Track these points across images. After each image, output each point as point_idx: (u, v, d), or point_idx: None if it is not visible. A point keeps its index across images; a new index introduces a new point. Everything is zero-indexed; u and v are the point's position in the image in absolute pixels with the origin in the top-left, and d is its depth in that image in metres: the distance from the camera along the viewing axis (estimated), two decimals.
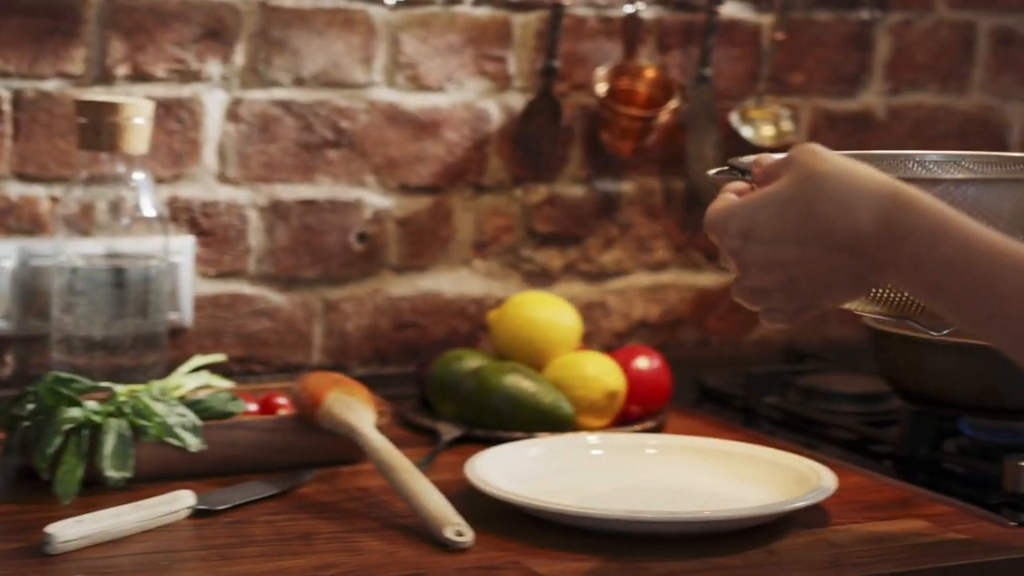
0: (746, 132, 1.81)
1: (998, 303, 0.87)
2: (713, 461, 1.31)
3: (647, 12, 1.76)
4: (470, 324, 1.73)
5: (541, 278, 1.77)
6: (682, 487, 1.28)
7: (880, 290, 1.02)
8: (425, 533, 1.15)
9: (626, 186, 1.79)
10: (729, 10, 1.80)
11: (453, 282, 1.72)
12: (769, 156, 1.01)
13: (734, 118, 1.81)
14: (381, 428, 1.31)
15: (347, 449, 1.32)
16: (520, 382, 1.45)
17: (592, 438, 1.35)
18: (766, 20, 1.82)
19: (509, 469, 1.27)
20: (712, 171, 1.06)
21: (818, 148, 0.95)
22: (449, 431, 1.45)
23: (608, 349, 1.64)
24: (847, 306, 1.06)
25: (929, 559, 1.12)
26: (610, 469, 1.31)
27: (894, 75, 1.90)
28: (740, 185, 1.03)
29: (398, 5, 1.65)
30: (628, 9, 1.74)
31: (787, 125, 1.82)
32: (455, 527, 1.13)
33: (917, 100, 1.92)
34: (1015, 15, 1.96)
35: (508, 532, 1.16)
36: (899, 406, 1.40)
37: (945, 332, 1.08)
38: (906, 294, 1.01)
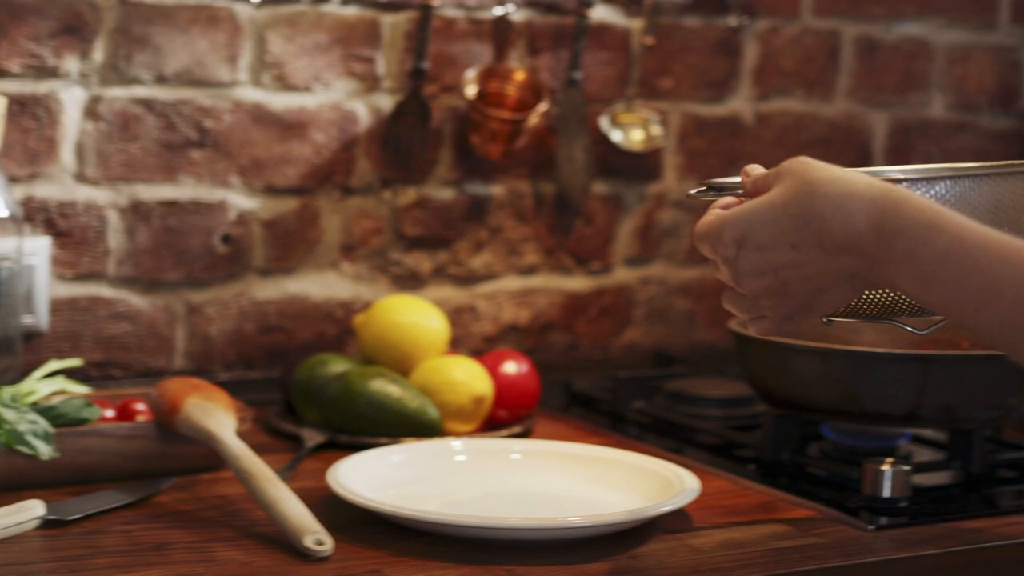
0: (616, 136, 1.81)
1: (991, 292, 0.88)
2: (578, 466, 1.31)
3: (517, 14, 1.75)
4: (337, 328, 1.71)
5: (410, 281, 1.75)
6: (547, 493, 1.27)
7: (870, 292, 1.02)
8: (284, 542, 1.13)
9: (496, 189, 1.78)
10: (599, 14, 1.80)
11: (320, 285, 1.70)
12: (756, 167, 1.02)
13: (604, 122, 1.81)
14: (242, 434, 1.28)
15: (206, 456, 1.29)
16: (385, 387, 1.43)
17: (456, 444, 1.34)
18: (636, 25, 1.82)
19: (372, 476, 1.25)
20: (692, 191, 1.08)
21: (808, 159, 0.97)
22: (313, 437, 1.42)
23: (477, 353, 1.63)
24: (836, 318, 1.06)
25: (788, 563, 1.13)
26: (475, 475, 1.30)
27: (762, 81, 1.92)
28: (729, 200, 1.04)
29: (263, 3, 1.62)
30: (498, 11, 1.73)
31: (656, 130, 1.83)
32: (314, 536, 1.11)
33: (784, 106, 1.94)
34: (878, 24, 1.99)
35: (370, 540, 1.14)
36: (763, 410, 1.41)
37: (928, 331, 1.08)
38: (896, 294, 1.02)
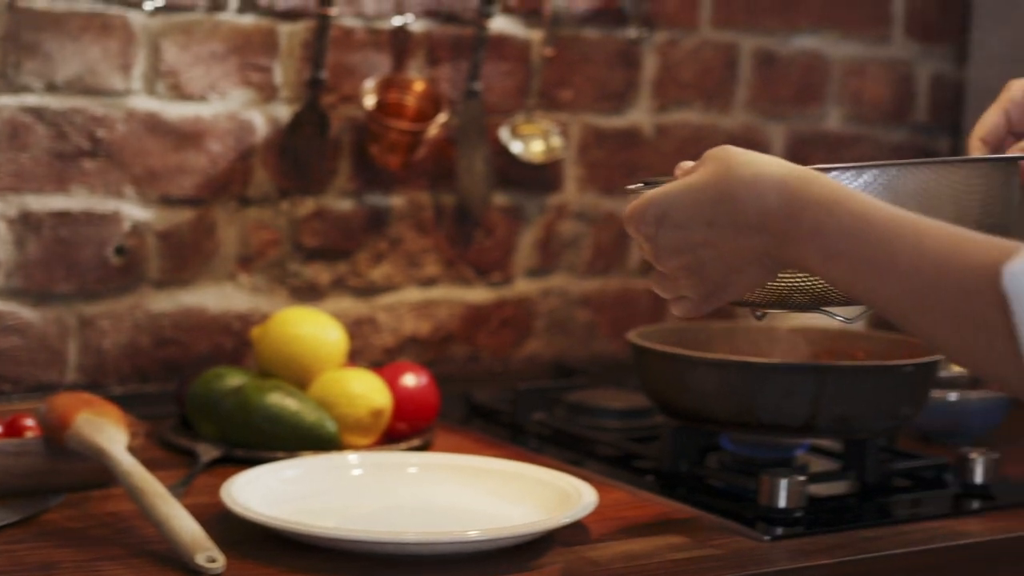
0: (516, 147, 1.81)
1: (889, 263, 0.89)
2: (476, 480, 1.30)
3: (416, 25, 1.75)
4: (235, 341, 1.69)
5: (309, 293, 1.73)
6: (445, 507, 1.27)
7: (800, 280, 1.05)
8: (176, 560, 1.10)
9: (396, 200, 1.77)
10: (499, 25, 1.79)
11: (217, 297, 1.68)
12: (689, 163, 1.05)
13: (504, 133, 1.80)
14: (134, 450, 1.26)
15: (97, 473, 1.26)
16: (282, 400, 1.41)
17: (353, 457, 1.33)
18: (536, 36, 1.82)
19: (267, 491, 1.23)
20: (630, 186, 1.10)
21: (732, 147, 1.01)
22: (208, 452, 1.40)
23: (377, 365, 1.62)
24: (771, 309, 1.09)
25: (685, 574, 1.13)
26: (372, 489, 1.29)
27: (661, 93, 1.93)
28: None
29: (157, 11, 1.60)
30: (397, 21, 1.72)
31: (556, 141, 1.83)
32: (206, 553, 1.09)
33: (683, 118, 1.95)
34: (775, 37, 2.01)
35: (265, 557, 1.12)
36: (662, 422, 1.41)
37: (856, 319, 1.10)
38: (821, 282, 1.04)
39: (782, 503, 1.25)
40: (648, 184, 1.09)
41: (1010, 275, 0.82)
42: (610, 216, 1.92)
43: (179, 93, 1.62)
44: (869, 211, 0.92)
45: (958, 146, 2.12)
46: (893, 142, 2.11)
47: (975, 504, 1.35)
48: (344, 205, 1.74)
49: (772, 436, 1.35)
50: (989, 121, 1.24)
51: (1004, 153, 1.22)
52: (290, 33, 1.68)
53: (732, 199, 0.97)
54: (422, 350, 1.81)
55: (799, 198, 0.94)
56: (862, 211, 0.92)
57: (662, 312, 1.97)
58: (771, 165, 0.97)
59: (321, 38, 1.65)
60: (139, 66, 1.60)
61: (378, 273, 1.78)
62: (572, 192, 1.89)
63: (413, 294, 1.80)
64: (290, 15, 1.67)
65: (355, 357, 1.74)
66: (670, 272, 1.02)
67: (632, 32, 1.89)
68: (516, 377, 1.80)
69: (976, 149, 1.25)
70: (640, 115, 1.92)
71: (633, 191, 1.10)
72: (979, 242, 0.86)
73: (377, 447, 1.45)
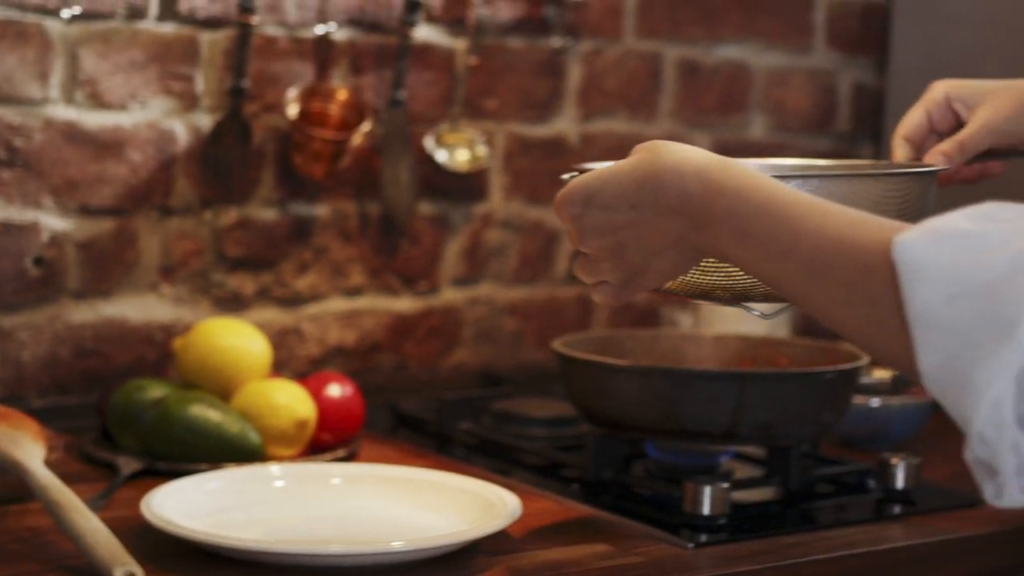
0: (441, 156, 1.81)
1: (793, 242, 0.91)
2: (400, 490, 1.29)
3: (340, 33, 1.74)
4: (158, 352, 1.67)
5: (233, 304, 1.72)
6: (368, 517, 1.26)
7: (716, 277, 1.07)
8: (94, 574, 1.09)
9: (320, 210, 1.76)
10: (423, 34, 1.79)
11: (139, 308, 1.66)
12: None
13: (429, 142, 1.80)
14: (52, 463, 1.24)
15: (14, 487, 1.24)
16: (205, 412, 1.40)
17: (275, 469, 1.31)
18: (460, 45, 1.82)
19: (189, 504, 1.22)
20: (564, 175, 1.11)
21: (663, 140, 1.02)
22: (129, 465, 1.38)
23: (303, 376, 1.61)
24: (695, 298, 1.11)
25: None
26: (295, 501, 1.27)
27: (586, 102, 1.94)
28: None
29: (75, 19, 1.57)
30: (319, 30, 1.71)
31: (481, 150, 1.83)
32: (125, 567, 1.07)
33: (608, 127, 1.96)
34: (699, 47, 2.02)
35: (186, 570, 1.11)
36: (588, 430, 1.41)
37: (774, 314, 1.12)
38: (742, 278, 1.06)
39: (706, 510, 1.25)
40: (582, 172, 1.10)
41: (900, 245, 0.83)
42: (536, 225, 1.92)
43: (98, 102, 1.60)
44: (778, 195, 0.93)
45: (880, 154, 2.14)
46: (816, 150, 2.13)
47: (897, 509, 1.36)
48: (268, 215, 1.73)
49: (695, 443, 1.35)
50: (912, 121, 1.27)
51: (925, 152, 1.25)
52: (211, 41, 1.66)
53: (656, 183, 0.98)
54: (348, 360, 1.80)
55: (716, 183, 0.96)
56: (771, 195, 0.94)
57: (589, 320, 1.97)
58: (695, 153, 0.99)
59: (243, 47, 1.63)
60: (57, 75, 1.57)
61: (303, 283, 1.76)
62: (498, 201, 1.89)
63: (339, 304, 1.79)
64: (211, 23, 1.66)
65: (280, 368, 1.73)
66: (593, 254, 1.03)
67: (556, 41, 1.89)
68: (444, 386, 1.79)
69: (899, 147, 1.27)
70: (565, 124, 1.92)
71: (566, 179, 1.11)
72: (878, 222, 0.88)
73: (302, 458, 1.44)
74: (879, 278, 0.85)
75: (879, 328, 0.86)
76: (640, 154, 1.01)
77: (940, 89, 1.28)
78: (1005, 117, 1.24)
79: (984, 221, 0.83)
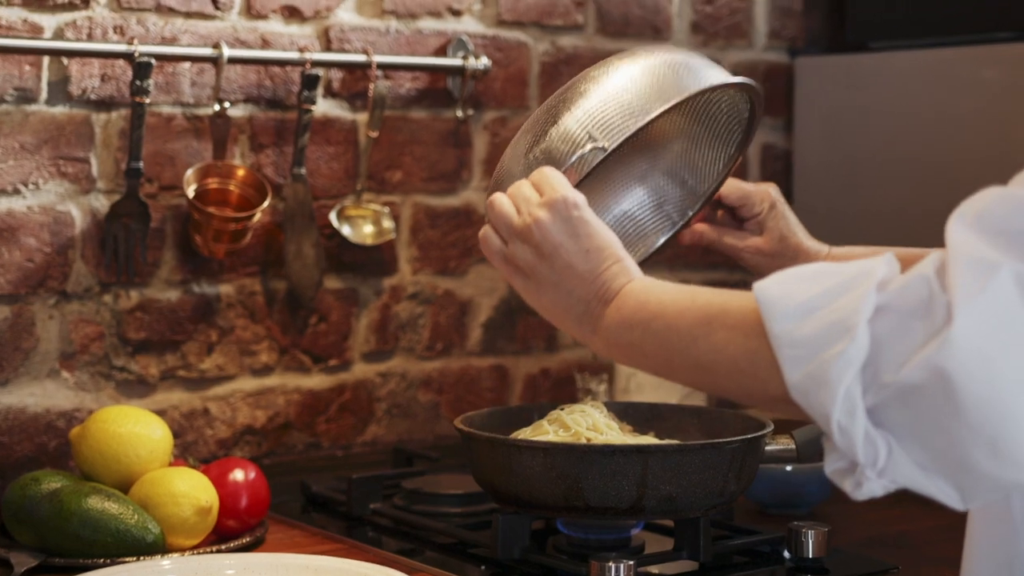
0: (346, 230, 1.78)
1: (674, 308, 1.05)
2: None
3: (238, 110, 1.72)
4: (59, 440, 1.63)
5: (138, 387, 1.68)
6: None
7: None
8: None
9: (225, 288, 1.73)
10: (323, 108, 1.77)
11: (38, 396, 1.62)
12: None
13: (333, 217, 1.78)
14: None
15: None
16: (102, 503, 1.36)
17: (166, 563, 1.27)
18: (362, 118, 1.80)
19: None
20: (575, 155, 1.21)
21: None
22: (24, 561, 1.34)
23: (213, 459, 1.58)
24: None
25: None
26: None
27: (492, 171, 1.92)
28: None
29: None
30: (216, 107, 1.69)
31: (387, 222, 1.81)
32: None
33: None
34: None
35: None
36: (496, 508, 1.39)
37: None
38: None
39: None
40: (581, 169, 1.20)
41: (758, 287, 0.95)
42: (447, 295, 1.89)
43: None
44: (660, 292, 1.08)
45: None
46: None
47: None
48: (170, 295, 1.70)
49: (601, 519, 1.33)
50: (744, 187, 1.43)
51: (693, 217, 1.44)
52: (105, 122, 1.64)
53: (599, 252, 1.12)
54: (260, 440, 1.77)
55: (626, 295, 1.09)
56: (654, 293, 1.09)
57: (506, 391, 1.95)
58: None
59: (137, 127, 1.61)
60: None
61: (209, 363, 1.73)
62: (407, 273, 1.87)
63: (247, 383, 1.76)
64: (104, 104, 1.63)
65: (189, 451, 1.69)
66: (525, 236, 1.13)
67: (459, 112, 1.87)
68: (358, 464, 1.76)
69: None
70: (473, 194, 1.91)
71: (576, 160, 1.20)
72: (741, 294, 1.00)
73: (204, 547, 1.41)
74: (752, 334, 0.96)
75: (762, 380, 0.96)
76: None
77: (770, 195, 1.44)
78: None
79: (821, 266, 0.96)
